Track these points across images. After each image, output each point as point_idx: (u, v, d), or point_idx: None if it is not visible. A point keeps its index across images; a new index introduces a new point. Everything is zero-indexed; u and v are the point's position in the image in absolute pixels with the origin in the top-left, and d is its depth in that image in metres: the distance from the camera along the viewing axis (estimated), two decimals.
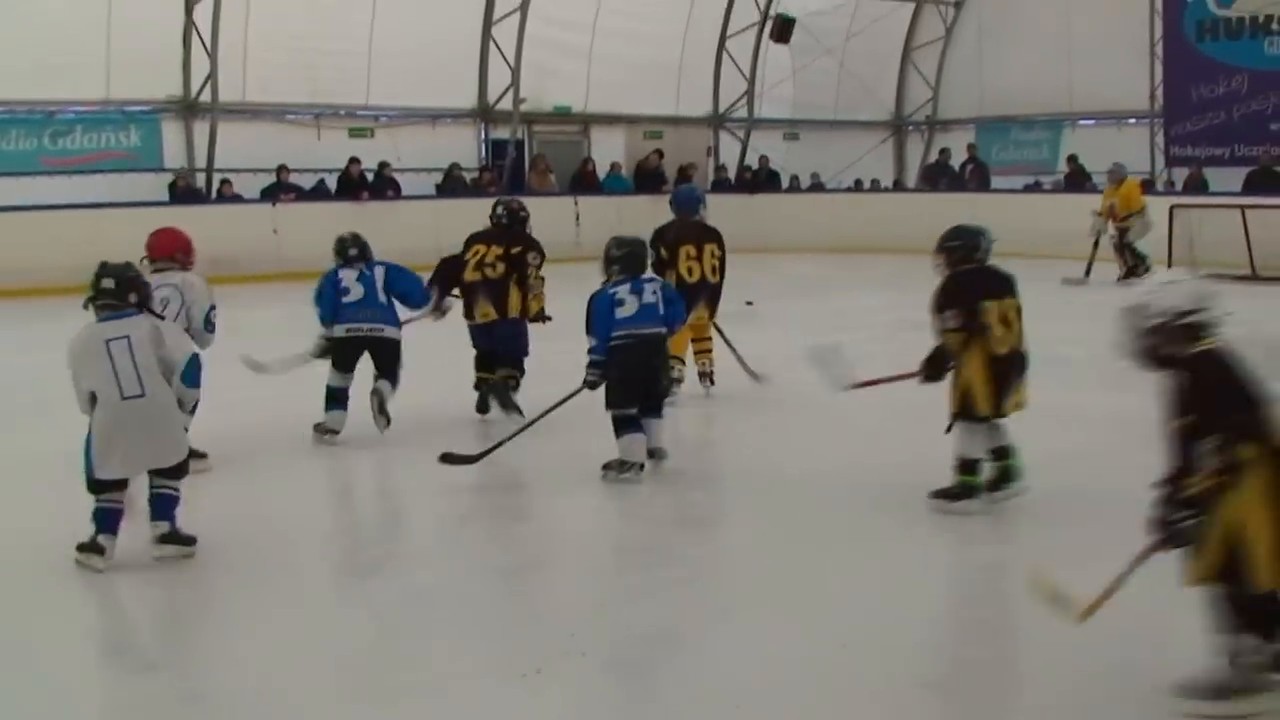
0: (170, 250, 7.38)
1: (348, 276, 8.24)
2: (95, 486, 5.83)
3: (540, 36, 21.43)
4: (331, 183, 19.42)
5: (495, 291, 8.58)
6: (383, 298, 8.21)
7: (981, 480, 6.60)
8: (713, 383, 9.55)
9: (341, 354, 8.20)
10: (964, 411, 6.49)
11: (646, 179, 22.31)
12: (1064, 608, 4.68)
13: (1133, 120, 23.90)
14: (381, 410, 8.10)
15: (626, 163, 23.18)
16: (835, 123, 26.24)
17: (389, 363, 8.21)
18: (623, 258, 7.37)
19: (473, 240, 8.82)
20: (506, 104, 21.51)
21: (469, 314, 8.73)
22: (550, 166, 21.91)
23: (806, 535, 6.49)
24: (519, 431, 7.73)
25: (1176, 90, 22.59)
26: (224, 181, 18.55)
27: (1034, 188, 23.32)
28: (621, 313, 7.20)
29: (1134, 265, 16.31)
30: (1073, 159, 22.83)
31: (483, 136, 21.98)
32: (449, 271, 8.79)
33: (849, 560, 6.12)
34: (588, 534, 6.77)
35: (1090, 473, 7.51)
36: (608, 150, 23.19)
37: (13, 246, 15.84)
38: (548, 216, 14.91)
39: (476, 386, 8.84)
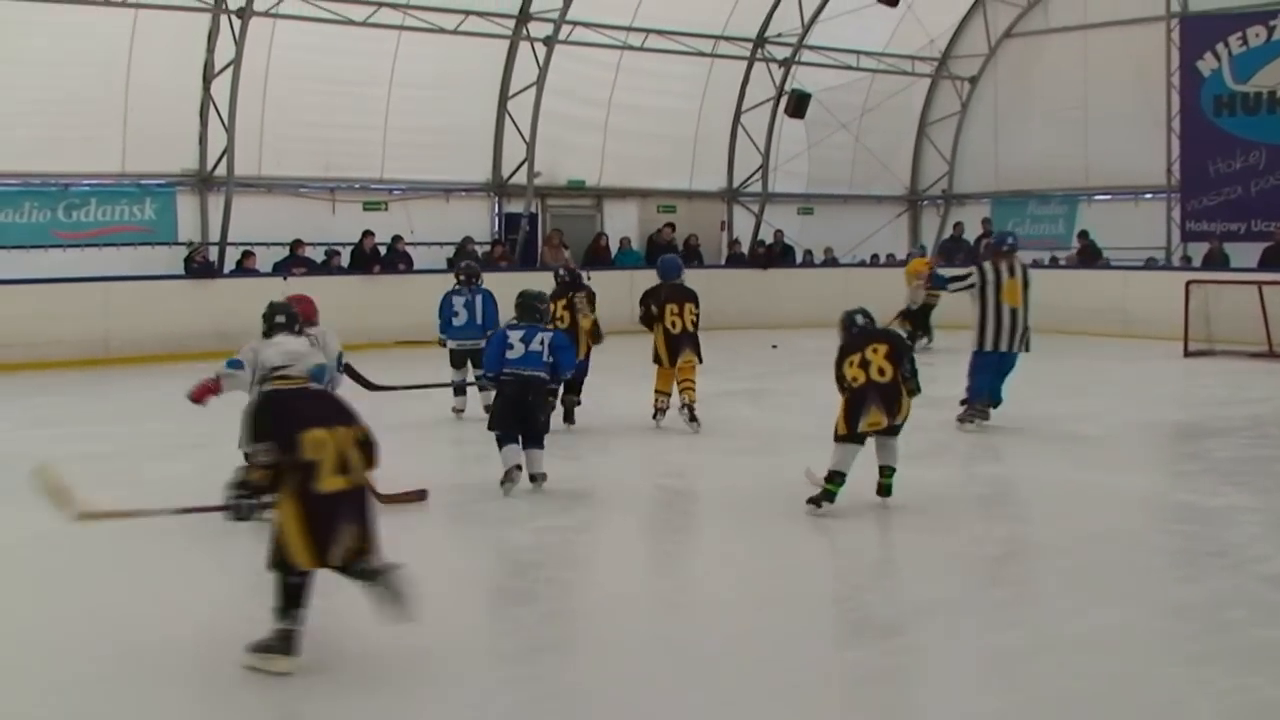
0: (308, 314, 8.72)
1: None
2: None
3: (555, 111, 21.60)
4: (345, 255, 19.48)
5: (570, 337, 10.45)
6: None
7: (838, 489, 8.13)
8: (694, 416, 11.22)
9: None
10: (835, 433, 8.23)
11: (659, 253, 22.31)
12: (64, 503, 5.91)
13: (1149, 195, 23.88)
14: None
15: (640, 236, 23.27)
16: (850, 197, 26.30)
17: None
18: (518, 306, 8.99)
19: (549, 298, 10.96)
20: (520, 178, 21.62)
21: None
22: (564, 240, 21.98)
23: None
24: (423, 386, 11.13)
25: (1193, 165, 22.61)
26: (246, 253, 18.58)
27: (1049, 263, 23.29)
28: (510, 354, 8.71)
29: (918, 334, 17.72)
30: (1084, 234, 22.84)
31: (496, 210, 22.10)
32: None
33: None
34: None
35: (1117, 552, 7.40)
36: (621, 224, 23.29)
37: (21, 319, 15.93)
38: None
39: (563, 402, 11.21)
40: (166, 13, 17.61)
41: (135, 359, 16.31)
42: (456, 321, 11.89)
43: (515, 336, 8.73)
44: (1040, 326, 12.09)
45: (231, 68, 18.09)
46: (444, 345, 11.99)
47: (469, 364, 11.74)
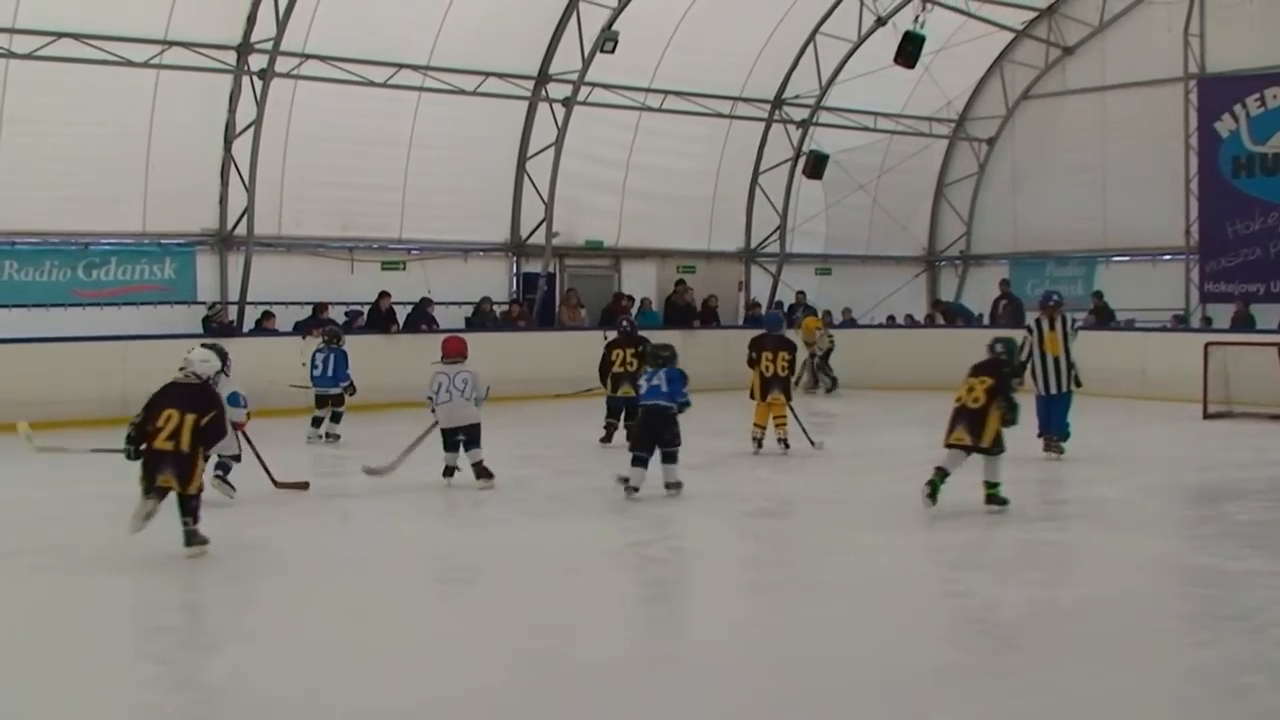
0: (459, 350, 11.76)
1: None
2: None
3: (574, 171, 21.80)
4: (365, 316, 19.56)
5: (633, 379, 13.70)
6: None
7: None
8: (788, 446, 13.76)
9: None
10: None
11: (677, 313, 22.46)
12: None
13: (1167, 256, 23.96)
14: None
15: (658, 297, 23.36)
16: (868, 258, 26.43)
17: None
18: (649, 356, 11.67)
19: (612, 345, 14.95)
20: (539, 238, 21.78)
21: (614, 390, 14.64)
22: (581, 301, 22.08)
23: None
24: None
25: (1211, 226, 22.68)
26: (265, 314, 18.69)
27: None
28: (643, 391, 11.21)
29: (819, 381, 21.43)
30: (1098, 295, 22.85)
31: (514, 270, 22.25)
32: (604, 366, 14.86)
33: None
34: None
35: (1133, 617, 7.38)
36: (639, 284, 23.43)
37: (40, 376, 15.99)
38: (576, 350, 15.01)
39: (626, 425, 13.90)
40: (189, 74, 17.88)
41: None
42: (315, 373, 15.26)
43: (644, 379, 11.35)
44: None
45: (253, 128, 18.34)
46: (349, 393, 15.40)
47: (329, 405, 15.17)
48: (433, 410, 11.57)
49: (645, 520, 10.20)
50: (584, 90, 21.40)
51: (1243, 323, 20.72)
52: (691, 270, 24.06)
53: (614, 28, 20.40)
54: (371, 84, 19.43)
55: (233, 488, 10.58)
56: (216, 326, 18.03)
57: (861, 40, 23.31)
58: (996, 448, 9.99)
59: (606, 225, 22.97)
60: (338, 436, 15.14)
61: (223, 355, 10.07)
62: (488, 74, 20.42)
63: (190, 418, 8.53)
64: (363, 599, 7.71)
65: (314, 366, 15.32)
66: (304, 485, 11.31)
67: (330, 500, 11.23)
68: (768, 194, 24.66)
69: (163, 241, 18.56)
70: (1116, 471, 12.85)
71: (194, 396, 8.72)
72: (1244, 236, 22.25)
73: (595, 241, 22.96)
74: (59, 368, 16.25)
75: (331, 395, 15.13)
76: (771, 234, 24.90)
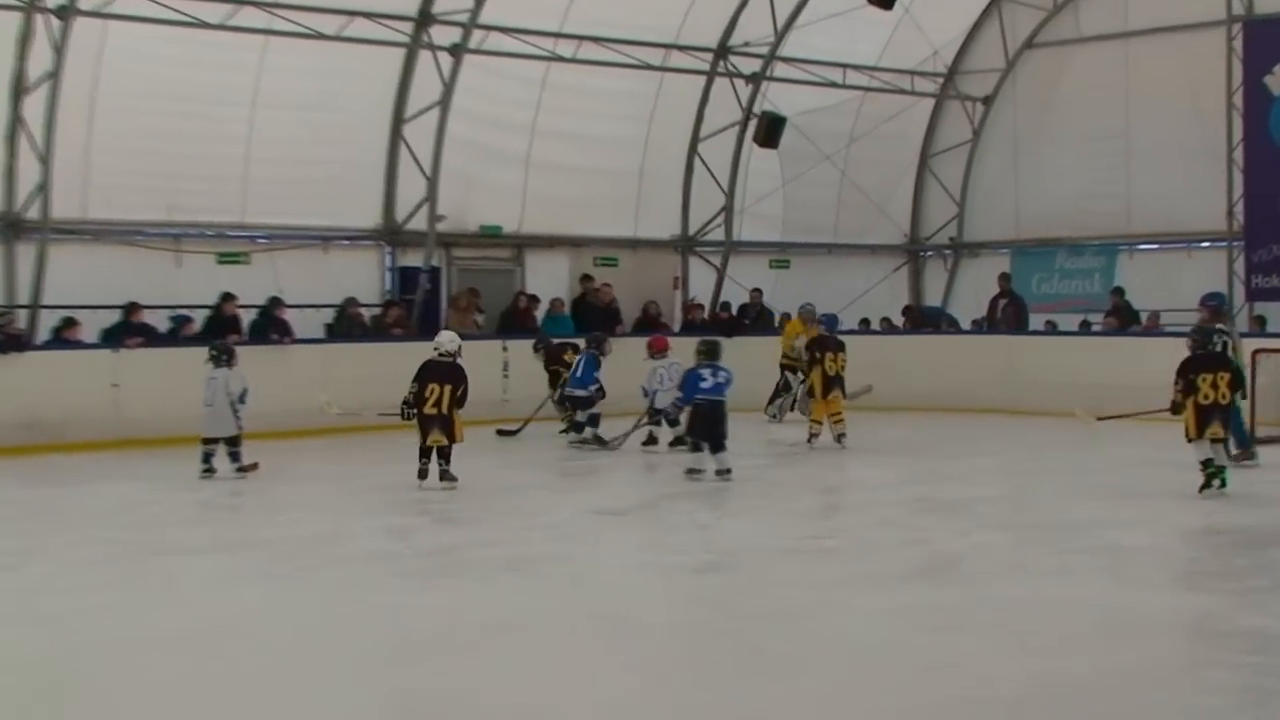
0: (663, 346, 17.76)
1: None
2: None
3: (464, 138, 21.69)
4: (198, 322, 19.31)
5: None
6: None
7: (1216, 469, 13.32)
8: (844, 439, 17.73)
9: None
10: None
11: (593, 317, 22.31)
12: None
13: (1205, 243, 24.28)
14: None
15: (572, 295, 23.35)
16: (836, 247, 26.58)
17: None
18: (705, 351, 15.29)
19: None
20: (419, 223, 21.63)
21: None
22: (476, 303, 21.96)
23: None
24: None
25: (1260, 206, 22.81)
26: (66, 320, 18.33)
27: (1080, 329, 23.50)
28: (703, 385, 14.89)
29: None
30: (1118, 292, 23.10)
31: (389, 263, 22.13)
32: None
33: None
34: None
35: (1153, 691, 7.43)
36: (547, 280, 23.38)
37: None
38: (469, 364, 15.00)
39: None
40: None
41: None
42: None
43: (707, 373, 14.97)
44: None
45: (49, 82, 18.08)
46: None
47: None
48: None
49: (554, 580, 10.14)
50: (476, 35, 21.30)
51: None
52: (613, 263, 24.09)
53: None
54: (204, 25, 19.21)
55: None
56: (3, 337, 17.70)
57: None
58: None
59: (506, 207, 22.88)
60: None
61: (229, 351, 15.27)
62: (354, 13, 20.30)
63: (448, 388, 14.23)
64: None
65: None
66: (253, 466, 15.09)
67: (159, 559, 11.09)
68: (710, 168, 24.69)
69: None
70: (1142, 512, 12.94)
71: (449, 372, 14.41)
72: None
73: (492, 228, 22.88)
74: None
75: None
76: (715, 218, 24.93)
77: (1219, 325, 15.50)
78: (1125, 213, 24.80)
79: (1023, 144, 26.26)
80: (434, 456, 14.42)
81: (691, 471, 14.88)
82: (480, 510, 13.47)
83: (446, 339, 14.90)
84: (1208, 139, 23.58)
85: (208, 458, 15.12)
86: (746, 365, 21.51)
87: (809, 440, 17.91)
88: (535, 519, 12.79)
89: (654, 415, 17.36)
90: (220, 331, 19.10)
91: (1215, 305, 16.50)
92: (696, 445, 15.01)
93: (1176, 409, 13.51)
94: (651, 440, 17.69)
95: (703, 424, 14.94)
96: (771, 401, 20.95)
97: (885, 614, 8.37)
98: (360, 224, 21.74)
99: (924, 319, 25.04)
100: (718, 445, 14.79)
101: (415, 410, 14.28)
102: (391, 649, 8.34)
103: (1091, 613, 9.19)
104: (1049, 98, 25.86)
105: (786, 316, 23.02)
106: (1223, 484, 13.24)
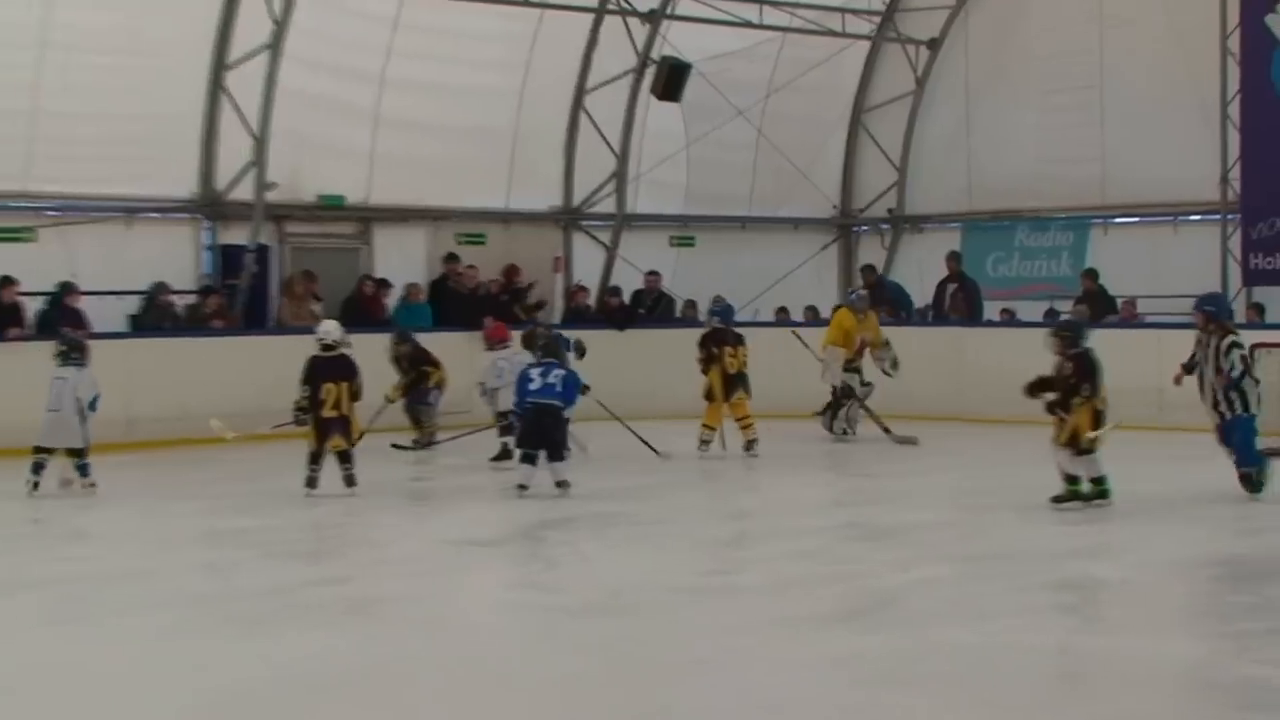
0: (503, 336, 18.74)
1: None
2: None
3: (299, 90, 21.62)
4: None
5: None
6: None
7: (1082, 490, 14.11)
8: (754, 448, 18.30)
9: None
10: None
11: (457, 304, 22.31)
12: None
13: (1195, 216, 24.54)
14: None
15: (429, 279, 23.36)
16: (751, 220, 26.73)
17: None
18: (543, 347, 16.36)
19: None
20: (244, 192, 21.52)
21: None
22: (313, 290, 21.81)
23: None
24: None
25: (1260, 172, 22.97)
26: None
27: (1045, 317, 23.64)
28: (530, 386, 15.64)
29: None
30: (1090, 274, 23.38)
31: (206, 242, 22.02)
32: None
33: None
34: None
35: None
36: (401, 261, 23.41)
37: None
38: (300, 363, 15.01)
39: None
40: None
41: None
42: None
43: (536, 374, 15.76)
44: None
45: None
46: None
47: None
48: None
49: (406, 625, 10.11)
50: None
51: None
52: (480, 240, 24.13)
53: None
54: None
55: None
56: None
57: None
58: None
59: (350, 173, 22.90)
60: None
61: (81, 348, 15.63)
62: None
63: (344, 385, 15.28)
64: None
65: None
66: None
67: None
68: (598, 125, 24.76)
69: None
70: (1120, 539, 13.05)
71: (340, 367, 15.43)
72: None
73: (333, 198, 22.84)
74: None
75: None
76: (604, 186, 25.01)
77: (1231, 338, 14.95)
78: (1099, 180, 25.01)
79: (976, 97, 26.48)
80: (323, 462, 15.12)
81: (520, 487, 15.35)
82: (319, 541, 13.39)
83: (328, 329, 15.73)
84: (1197, 92, 23.72)
85: (38, 468, 15.21)
86: (642, 364, 21.86)
87: (699, 447, 18.32)
88: (384, 551, 12.75)
89: (503, 421, 17.59)
90: (3, 322, 18.96)
91: (1211, 312, 15.31)
92: (525, 456, 15.57)
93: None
94: (505, 454, 17.61)
95: (526, 431, 15.69)
96: (831, 412, 20.52)
97: (808, 666, 8.35)
98: (172, 193, 21.62)
99: (884, 295, 24.29)
100: (554, 454, 15.38)
101: (310, 414, 15.11)
102: (196, 716, 8.23)
103: (1056, 662, 9.24)
104: (1007, 41, 26.08)
105: (692, 305, 23.10)
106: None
